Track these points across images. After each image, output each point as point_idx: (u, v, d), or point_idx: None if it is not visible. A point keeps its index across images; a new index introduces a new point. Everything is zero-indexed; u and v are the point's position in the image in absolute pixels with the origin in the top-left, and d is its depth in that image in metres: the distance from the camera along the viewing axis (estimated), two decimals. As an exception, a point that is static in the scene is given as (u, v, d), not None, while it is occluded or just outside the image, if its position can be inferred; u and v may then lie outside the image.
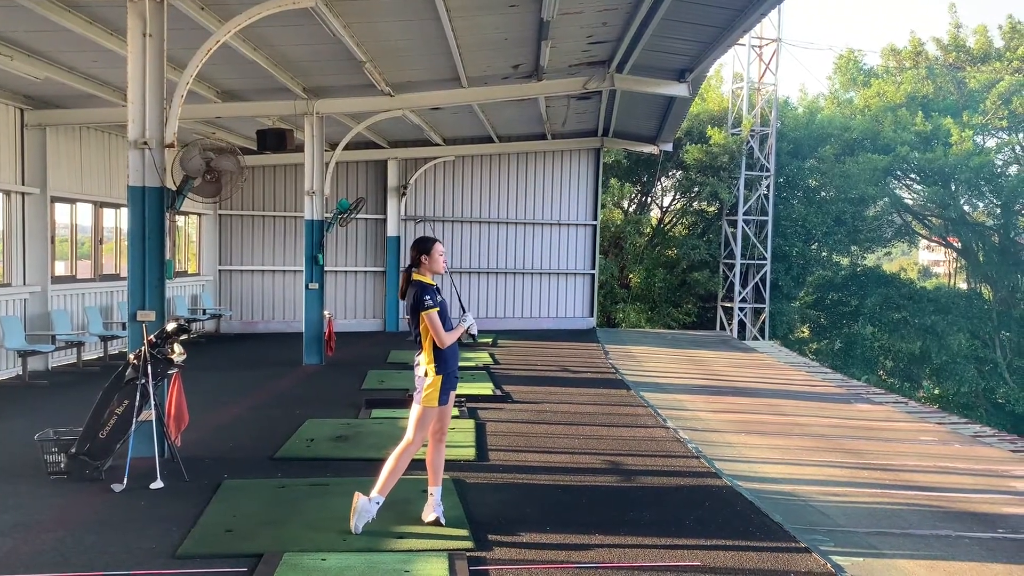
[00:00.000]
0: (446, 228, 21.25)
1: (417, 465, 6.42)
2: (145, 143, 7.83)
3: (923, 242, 40.42)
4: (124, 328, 13.58)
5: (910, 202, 33.29)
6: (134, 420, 7.28)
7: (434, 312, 5.79)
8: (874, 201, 29.62)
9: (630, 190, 28.65)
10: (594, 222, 22.24)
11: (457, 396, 11.00)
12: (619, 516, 6.56)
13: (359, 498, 5.89)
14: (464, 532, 5.97)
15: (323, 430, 9.35)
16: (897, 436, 11.22)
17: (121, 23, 8.21)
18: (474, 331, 6.01)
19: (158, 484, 7.00)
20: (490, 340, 18.33)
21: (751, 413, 12.17)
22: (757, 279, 26.62)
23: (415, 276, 5.96)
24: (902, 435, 11.32)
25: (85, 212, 15.19)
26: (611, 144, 22.52)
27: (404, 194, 20.79)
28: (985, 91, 30.73)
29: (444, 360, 5.89)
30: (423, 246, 6.01)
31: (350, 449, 8.52)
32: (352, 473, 7.54)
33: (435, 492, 6.14)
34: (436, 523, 6.03)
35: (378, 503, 5.88)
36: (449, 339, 5.85)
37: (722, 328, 26.83)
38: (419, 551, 5.59)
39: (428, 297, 5.80)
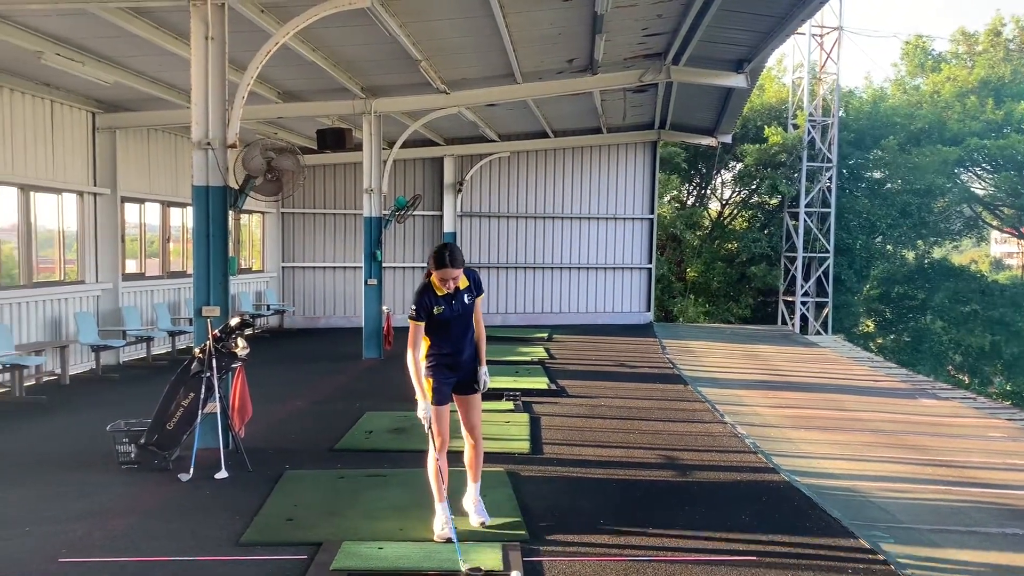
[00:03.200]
0: (502, 224, 21.37)
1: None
2: (208, 144, 8.05)
3: (995, 233, 39.03)
4: (191, 323, 14.00)
5: (980, 192, 32.16)
6: (200, 412, 7.52)
7: (411, 322, 5.69)
8: (943, 193, 28.68)
9: (676, 183, 28.21)
10: (651, 216, 22.09)
11: (511, 390, 11.25)
12: (674, 510, 6.54)
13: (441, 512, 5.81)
14: (518, 522, 6.03)
15: (381, 422, 9.52)
16: (963, 432, 10.92)
17: (184, 27, 8.44)
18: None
19: (223, 474, 7.22)
20: (545, 335, 18.40)
21: (811, 408, 11.97)
22: (820, 272, 26.09)
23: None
24: (969, 431, 11.01)
25: (153, 211, 15.69)
26: (668, 137, 22.28)
27: (460, 190, 20.95)
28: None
29: (430, 366, 5.76)
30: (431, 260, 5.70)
31: (407, 441, 8.63)
32: (409, 465, 7.65)
33: (471, 489, 6.06)
34: (481, 525, 5.92)
35: (444, 509, 5.77)
36: (409, 350, 5.69)
37: (783, 323, 26.38)
38: (474, 541, 5.66)
39: (414, 305, 5.67)
